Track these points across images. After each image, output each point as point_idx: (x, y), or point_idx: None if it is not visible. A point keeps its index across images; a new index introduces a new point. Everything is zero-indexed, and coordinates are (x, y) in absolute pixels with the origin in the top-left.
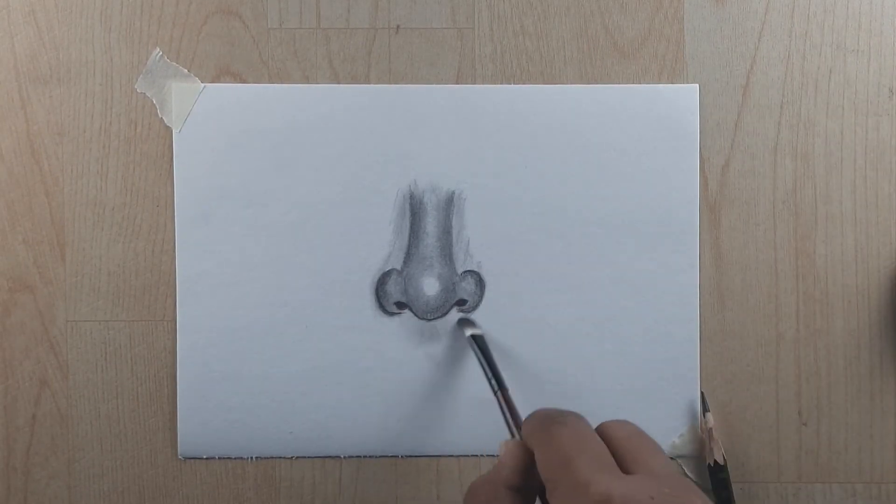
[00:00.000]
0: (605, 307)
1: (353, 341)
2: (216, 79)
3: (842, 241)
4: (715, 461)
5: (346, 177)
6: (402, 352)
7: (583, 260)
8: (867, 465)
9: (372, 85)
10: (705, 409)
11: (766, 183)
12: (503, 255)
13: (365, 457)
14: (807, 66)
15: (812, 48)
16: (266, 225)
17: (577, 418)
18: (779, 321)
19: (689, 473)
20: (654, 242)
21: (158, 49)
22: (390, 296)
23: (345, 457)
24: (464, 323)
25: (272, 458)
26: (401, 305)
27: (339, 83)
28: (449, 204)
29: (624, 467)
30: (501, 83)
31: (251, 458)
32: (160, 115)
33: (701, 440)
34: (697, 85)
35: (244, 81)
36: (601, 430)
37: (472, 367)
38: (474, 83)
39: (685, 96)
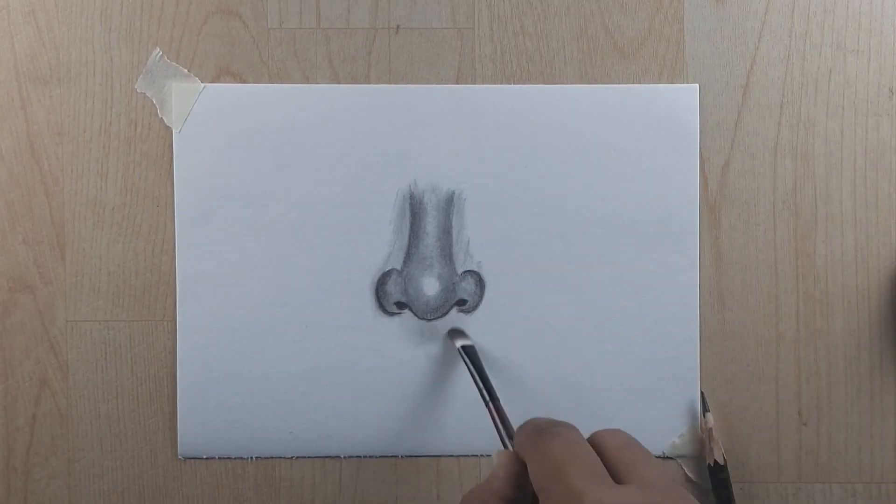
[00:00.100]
0: (605, 307)
1: (353, 341)
2: (216, 79)
3: (842, 241)
4: (715, 461)
5: (346, 177)
6: (402, 352)
7: (583, 260)
8: (867, 465)
9: (372, 85)
10: (705, 409)
11: (766, 183)
12: (503, 255)
13: (365, 457)
14: (807, 66)
15: (812, 48)
16: (266, 225)
17: (568, 428)
18: (779, 321)
19: (689, 473)
20: (654, 242)
21: (158, 49)
22: (390, 296)
23: (345, 457)
24: (454, 333)
25: (272, 458)
26: (401, 305)
27: (339, 83)
28: (449, 204)
29: (616, 477)
30: (501, 83)
31: (251, 458)
32: (160, 115)
33: (701, 440)
34: (697, 85)
35: (244, 81)
36: (593, 440)
37: None
38: (474, 83)
39: (685, 96)
